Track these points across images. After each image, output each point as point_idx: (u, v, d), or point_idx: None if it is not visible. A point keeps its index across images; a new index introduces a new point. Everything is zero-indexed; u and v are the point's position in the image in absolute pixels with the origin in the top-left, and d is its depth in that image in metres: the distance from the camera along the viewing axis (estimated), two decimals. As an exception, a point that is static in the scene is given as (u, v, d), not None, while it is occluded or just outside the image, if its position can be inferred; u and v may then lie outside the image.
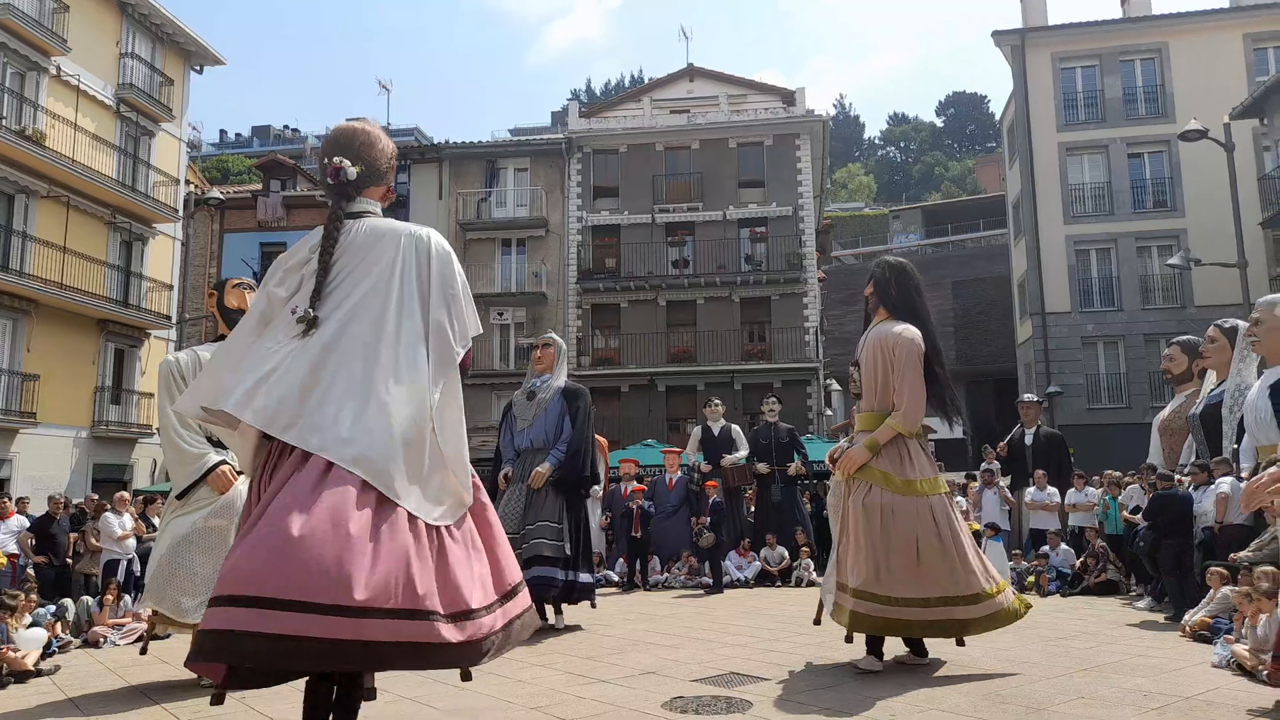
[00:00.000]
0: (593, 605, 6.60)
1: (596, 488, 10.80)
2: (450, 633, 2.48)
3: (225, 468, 4.59)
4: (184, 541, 4.53)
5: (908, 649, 4.70)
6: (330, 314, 2.73)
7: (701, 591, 9.36)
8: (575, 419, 6.36)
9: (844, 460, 4.67)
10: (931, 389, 4.69)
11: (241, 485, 4.54)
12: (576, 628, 6.35)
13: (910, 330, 4.67)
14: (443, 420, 2.73)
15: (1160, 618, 6.65)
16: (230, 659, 2.40)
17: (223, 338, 5.01)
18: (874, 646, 4.54)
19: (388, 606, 2.37)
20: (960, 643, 4.79)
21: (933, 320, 4.87)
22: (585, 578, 6.40)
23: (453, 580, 2.56)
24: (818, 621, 5.16)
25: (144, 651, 5.23)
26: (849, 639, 4.68)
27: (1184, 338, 8.91)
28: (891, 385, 4.62)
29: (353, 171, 2.93)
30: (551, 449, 6.29)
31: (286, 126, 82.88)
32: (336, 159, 2.93)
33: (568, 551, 6.20)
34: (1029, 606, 4.70)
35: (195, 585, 4.43)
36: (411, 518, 2.55)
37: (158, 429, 4.79)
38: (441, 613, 2.48)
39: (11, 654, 5.45)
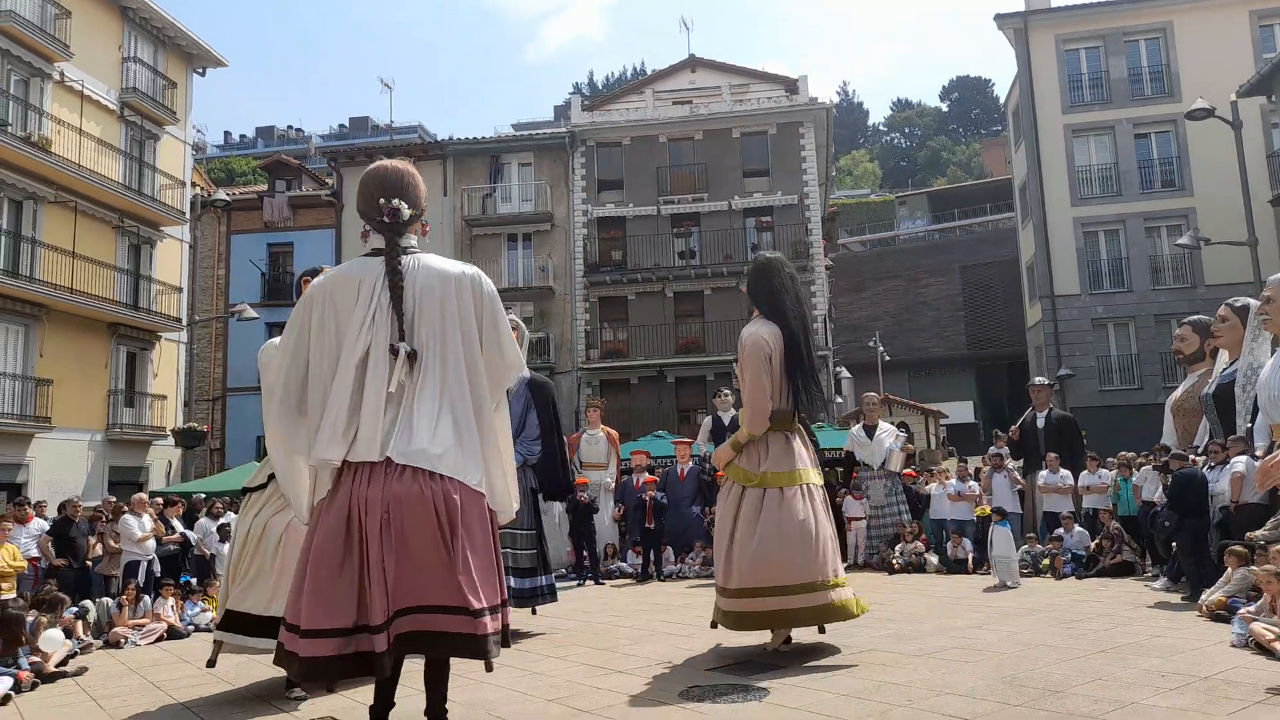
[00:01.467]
0: (533, 612, 6.18)
1: (609, 480, 10.87)
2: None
3: None
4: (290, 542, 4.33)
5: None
6: (424, 353, 3.04)
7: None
8: (543, 417, 5.97)
9: (714, 458, 4.90)
10: (790, 384, 4.71)
11: None
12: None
13: (751, 334, 4.79)
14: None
15: (1177, 598, 6.64)
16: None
17: None
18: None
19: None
20: (821, 630, 4.74)
21: (796, 314, 4.92)
22: (550, 580, 6.19)
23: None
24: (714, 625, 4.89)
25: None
26: (713, 625, 4.81)
27: (1195, 317, 8.88)
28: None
29: (407, 213, 3.17)
30: (516, 444, 5.83)
31: (290, 126, 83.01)
32: (395, 201, 3.15)
33: (540, 559, 5.96)
34: (864, 610, 4.68)
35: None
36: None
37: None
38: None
39: (37, 657, 5.51)
